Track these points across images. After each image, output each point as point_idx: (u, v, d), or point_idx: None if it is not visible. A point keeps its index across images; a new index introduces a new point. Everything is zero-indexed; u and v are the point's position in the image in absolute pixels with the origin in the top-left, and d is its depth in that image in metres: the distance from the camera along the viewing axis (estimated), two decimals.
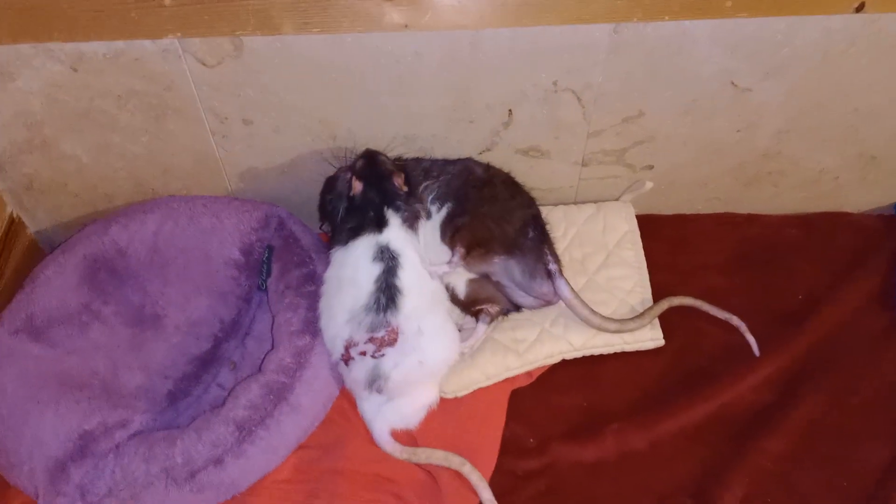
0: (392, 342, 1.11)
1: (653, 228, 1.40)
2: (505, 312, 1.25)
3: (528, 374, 1.24)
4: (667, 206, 1.46)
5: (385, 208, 1.17)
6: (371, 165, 1.20)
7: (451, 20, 1.09)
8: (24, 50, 1.13)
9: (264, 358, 1.19)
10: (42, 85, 1.18)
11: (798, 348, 1.26)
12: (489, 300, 1.23)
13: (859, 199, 1.45)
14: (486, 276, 1.23)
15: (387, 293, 1.11)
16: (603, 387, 1.24)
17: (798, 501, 1.10)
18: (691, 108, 1.26)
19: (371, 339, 1.11)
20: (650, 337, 1.26)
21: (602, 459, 1.15)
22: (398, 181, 1.19)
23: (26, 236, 1.43)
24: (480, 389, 1.22)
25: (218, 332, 1.30)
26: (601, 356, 1.26)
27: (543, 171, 1.36)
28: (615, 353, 1.26)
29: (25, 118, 1.23)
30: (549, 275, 1.21)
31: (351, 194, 1.18)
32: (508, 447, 1.17)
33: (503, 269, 1.21)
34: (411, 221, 1.18)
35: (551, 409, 1.22)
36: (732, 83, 1.22)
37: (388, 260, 1.13)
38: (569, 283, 1.21)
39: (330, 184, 1.24)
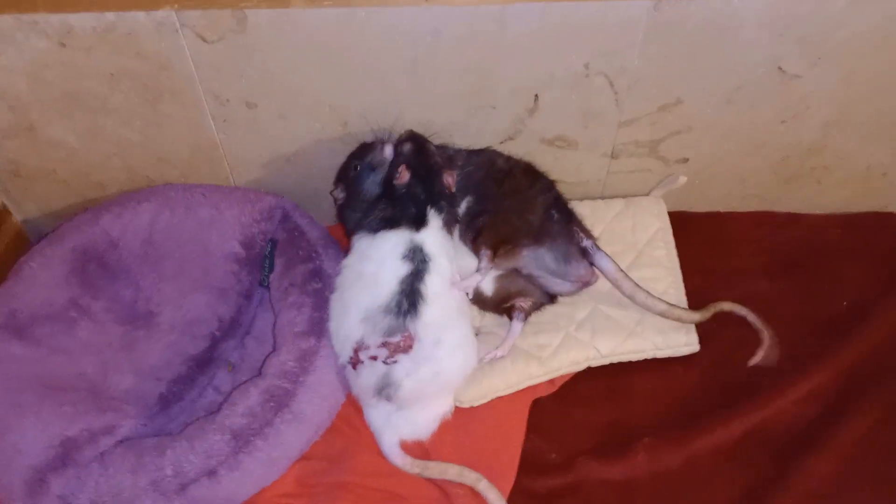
0: (406, 349, 1.01)
1: (686, 227, 1.30)
2: (538, 306, 1.16)
3: (551, 382, 1.15)
4: (700, 203, 1.36)
5: (429, 207, 1.07)
6: (421, 154, 1.10)
7: None
8: (6, 22, 1.03)
9: (265, 360, 1.10)
10: (27, 63, 1.08)
11: (844, 359, 1.16)
12: (520, 294, 1.14)
13: None
14: (515, 270, 1.13)
15: (410, 297, 1.02)
16: (632, 398, 1.14)
17: None
18: (734, 97, 1.15)
19: (384, 344, 1.01)
20: (685, 342, 1.16)
21: (632, 479, 1.06)
22: (449, 180, 1.10)
23: (12, 225, 1.34)
24: (499, 399, 1.12)
25: (216, 330, 1.20)
26: (630, 364, 1.17)
27: (569, 163, 1.26)
28: (645, 361, 1.17)
29: (9, 100, 1.13)
30: (585, 253, 1.12)
31: (396, 182, 1.08)
32: (528, 463, 1.08)
33: (533, 259, 1.11)
34: (450, 225, 1.09)
35: (576, 421, 1.12)
36: (780, 69, 1.11)
37: (419, 262, 1.04)
38: (609, 256, 1.11)
39: (364, 150, 1.14)
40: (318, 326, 1.09)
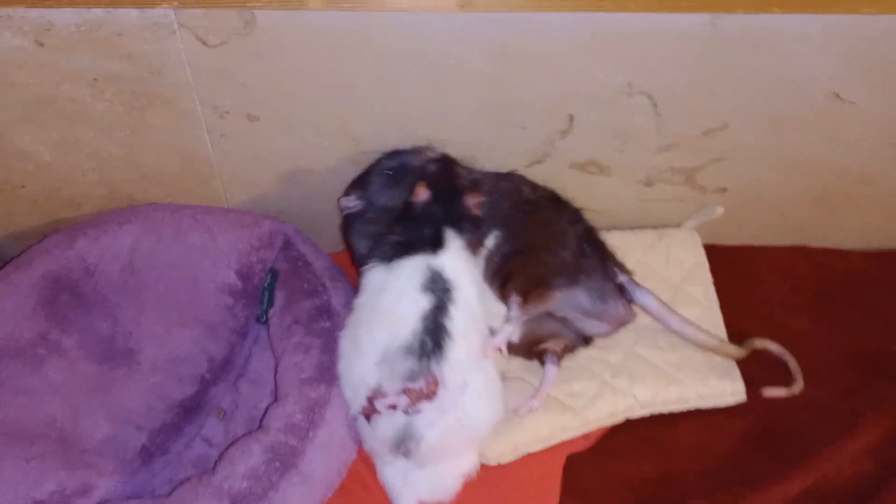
0: (430, 395, 0.89)
1: (719, 261, 1.20)
2: (572, 348, 1.04)
3: (586, 436, 1.03)
4: (734, 236, 1.26)
5: (445, 226, 0.95)
6: (444, 173, 0.99)
7: (517, 1, 0.88)
8: None
9: (266, 410, 0.96)
10: None
11: None
12: (552, 336, 1.02)
13: None
14: (545, 312, 1.01)
15: (434, 336, 0.89)
16: (675, 452, 1.03)
17: None
18: (784, 122, 1.06)
19: (405, 390, 0.89)
20: (731, 391, 1.05)
21: None
22: (472, 202, 0.98)
23: None
24: (530, 455, 1.00)
25: (205, 372, 1.06)
26: (671, 415, 1.05)
27: (600, 190, 1.15)
28: (688, 412, 1.05)
29: None
30: (622, 289, 1.01)
31: (413, 199, 0.96)
32: None
33: (567, 300, 1.00)
34: (474, 248, 0.97)
35: (614, 479, 1.01)
36: (836, 94, 1.02)
37: (440, 292, 0.91)
38: (649, 290, 1.01)
39: (396, 155, 1.02)
40: (329, 372, 0.95)
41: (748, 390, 1.06)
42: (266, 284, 1.07)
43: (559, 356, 1.02)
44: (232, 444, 0.92)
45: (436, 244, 0.95)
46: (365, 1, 0.88)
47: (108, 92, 0.98)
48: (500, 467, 0.99)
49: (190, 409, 1.04)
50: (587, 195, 1.13)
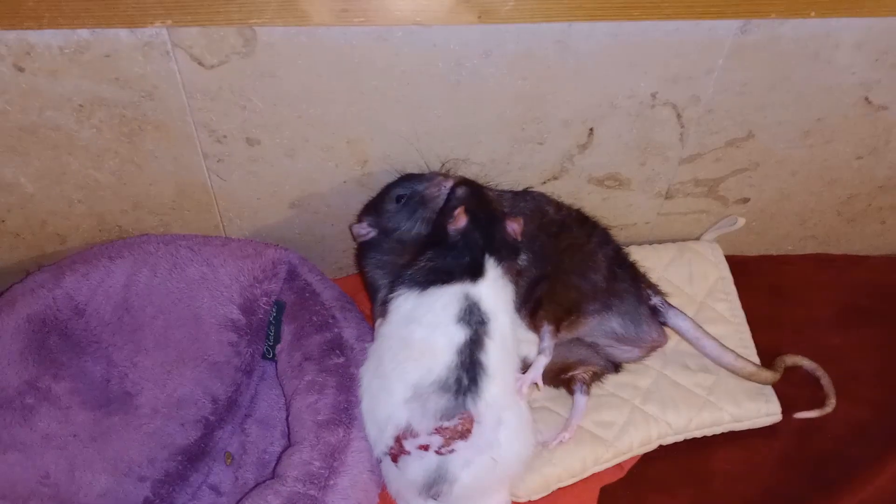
0: (465, 434, 0.83)
1: (741, 273, 1.15)
2: (600, 375, 0.98)
3: (619, 466, 0.97)
4: (753, 246, 1.21)
5: (486, 255, 0.89)
6: (479, 198, 0.92)
7: (541, 10, 0.82)
8: None
9: (280, 456, 0.89)
10: None
11: None
12: (581, 363, 0.96)
13: None
14: (575, 339, 0.96)
15: (470, 371, 0.83)
16: (712, 479, 0.98)
17: None
18: (812, 130, 1.01)
19: (438, 430, 0.82)
20: (766, 412, 1.00)
21: None
22: (513, 227, 0.91)
23: None
24: (562, 490, 0.95)
25: (209, 414, 0.99)
26: (704, 439, 1.00)
27: (618, 204, 1.10)
28: (722, 435, 1.00)
29: None
30: (655, 311, 0.96)
31: (450, 226, 0.89)
32: None
33: (598, 326, 0.94)
34: (512, 276, 0.91)
35: None
36: (867, 99, 0.98)
37: (477, 324, 0.85)
38: (683, 313, 0.96)
39: (410, 181, 0.96)
40: (346, 413, 0.89)
41: (783, 410, 1.01)
42: (271, 318, 1.00)
43: (588, 384, 0.97)
44: (244, 496, 0.85)
45: (475, 272, 0.88)
46: (377, 15, 0.81)
47: (95, 118, 0.91)
48: None
49: (195, 456, 0.97)
50: (604, 210, 1.09)
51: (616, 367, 0.99)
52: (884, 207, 1.16)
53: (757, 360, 1.05)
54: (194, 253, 1.00)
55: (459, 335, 0.84)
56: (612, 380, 1.01)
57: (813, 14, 0.85)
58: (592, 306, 0.92)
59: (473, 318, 0.85)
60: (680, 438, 0.99)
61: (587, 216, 1.03)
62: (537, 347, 0.90)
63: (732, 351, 0.97)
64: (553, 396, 1.00)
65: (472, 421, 0.83)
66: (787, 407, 1.02)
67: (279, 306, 1.00)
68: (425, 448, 0.83)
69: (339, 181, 1.02)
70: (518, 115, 0.95)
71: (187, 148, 0.95)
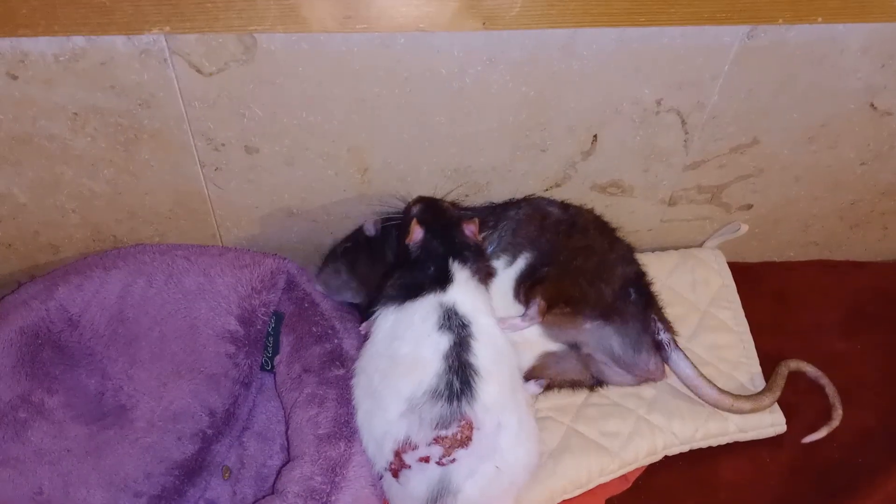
0: (465, 442, 0.81)
1: (745, 279, 1.14)
2: (573, 386, 0.98)
3: (624, 477, 0.96)
4: (755, 253, 1.20)
5: (450, 259, 0.88)
6: (433, 209, 0.93)
7: (547, 16, 0.81)
8: None
9: (279, 471, 0.88)
10: None
11: None
12: (560, 375, 0.96)
13: None
14: (572, 349, 0.94)
15: (461, 374, 0.82)
16: (718, 489, 0.97)
17: None
18: (816, 136, 1.00)
19: (438, 440, 0.81)
20: (770, 422, 0.99)
21: None
22: (470, 228, 0.91)
23: None
24: (567, 501, 0.93)
25: (206, 427, 0.97)
26: (709, 449, 0.99)
27: (621, 211, 1.09)
28: (727, 445, 0.99)
29: None
30: (658, 347, 0.94)
31: (408, 241, 0.89)
32: None
33: (598, 338, 0.93)
34: (482, 277, 0.90)
35: None
36: (872, 104, 0.97)
37: (458, 328, 0.84)
38: (687, 357, 0.94)
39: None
40: (347, 426, 0.87)
41: (788, 418, 1.00)
42: (270, 329, 0.98)
43: (556, 386, 0.96)
44: None
45: (443, 280, 0.88)
46: (380, 22, 0.80)
47: (90, 127, 0.89)
48: None
49: (192, 470, 0.95)
50: (607, 217, 1.07)
51: (598, 383, 0.98)
52: (887, 213, 1.15)
53: (758, 369, 1.04)
54: (191, 263, 0.98)
55: (443, 342, 0.84)
56: (616, 389, 0.99)
57: (820, 20, 0.84)
58: (590, 311, 0.91)
59: (454, 323, 0.85)
60: (686, 448, 0.98)
61: (608, 224, 1.02)
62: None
63: (729, 394, 0.96)
64: (559, 407, 0.99)
65: (471, 427, 0.81)
66: (792, 414, 1.00)
67: (278, 317, 0.98)
68: (426, 460, 0.82)
69: (340, 189, 1.00)
70: (521, 121, 0.94)
71: (184, 156, 0.94)
